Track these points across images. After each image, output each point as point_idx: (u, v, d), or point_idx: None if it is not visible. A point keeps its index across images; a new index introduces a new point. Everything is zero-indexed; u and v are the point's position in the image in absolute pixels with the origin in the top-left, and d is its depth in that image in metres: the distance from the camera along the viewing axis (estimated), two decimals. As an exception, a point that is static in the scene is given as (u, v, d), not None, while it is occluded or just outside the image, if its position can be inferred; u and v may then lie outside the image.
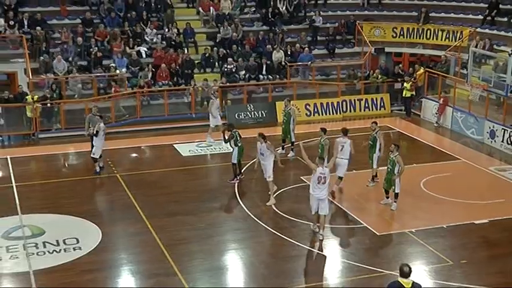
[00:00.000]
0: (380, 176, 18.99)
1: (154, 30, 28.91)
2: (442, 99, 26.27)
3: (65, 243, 15.66)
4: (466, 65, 26.11)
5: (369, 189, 19.25)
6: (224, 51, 28.84)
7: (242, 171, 19.98)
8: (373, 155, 19.26)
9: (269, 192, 18.18)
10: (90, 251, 15.34)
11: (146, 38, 28.70)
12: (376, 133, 19.29)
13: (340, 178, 18.71)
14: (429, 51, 30.88)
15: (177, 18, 30.01)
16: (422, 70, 28.02)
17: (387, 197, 18.02)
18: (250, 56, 28.79)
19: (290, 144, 22.02)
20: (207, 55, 28.25)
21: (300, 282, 14.10)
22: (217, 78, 27.56)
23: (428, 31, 30.76)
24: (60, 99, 24.81)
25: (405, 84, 27.21)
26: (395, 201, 17.69)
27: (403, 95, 27.53)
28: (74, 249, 15.41)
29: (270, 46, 29.36)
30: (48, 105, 24.61)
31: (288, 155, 21.78)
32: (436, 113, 26.38)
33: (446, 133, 25.56)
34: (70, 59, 26.89)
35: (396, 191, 17.57)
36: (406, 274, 10.47)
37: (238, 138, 19.56)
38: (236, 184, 19.21)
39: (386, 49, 31.42)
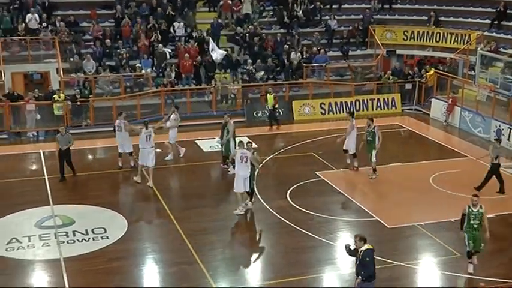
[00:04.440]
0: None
1: (182, 23, 28.91)
2: (450, 99, 26.08)
3: (93, 232, 15.74)
4: (474, 66, 25.90)
5: (380, 183, 19.11)
6: (243, 53, 28.84)
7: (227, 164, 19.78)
8: (373, 150, 19.20)
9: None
10: (117, 240, 15.41)
11: (173, 34, 28.67)
12: (373, 129, 19.21)
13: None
14: (439, 53, 30.65)
15: (198, 21, 30.01)
16: (432, 71, 27.83)
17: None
18: (268, 58, 28.73)
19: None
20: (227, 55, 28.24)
21: (315, 271, 14.07)
22: (237, 79, 27.58)
23: (438, 34, 30.57)
24: (90, 98, 24.94)
25: (268, 96, 25.24)
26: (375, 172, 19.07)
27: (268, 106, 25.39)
28: (102, 238, 15.48)
29: (287, 47, 29.28)
30: (78, 103, 24.75)
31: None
32: (445, 112, 26.18)
33: (454, 131, 25.35)
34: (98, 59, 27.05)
35: (373, 160, 18.92)
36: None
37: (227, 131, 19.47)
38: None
39: (398, 51, 31.25)
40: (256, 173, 17.20)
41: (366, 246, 11.54)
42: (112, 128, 20.83)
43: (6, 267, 14.13)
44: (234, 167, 18.72)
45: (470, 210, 13.74)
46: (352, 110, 22.82)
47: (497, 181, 18.31)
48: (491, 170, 18.22)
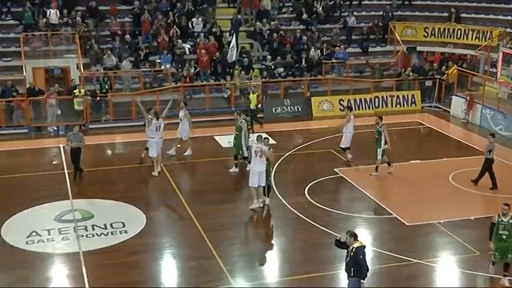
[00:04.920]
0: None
1: (201, 19, 28.97)
2: (468, 96, 25.89)
3: (112, 226, 15.85)
4: (495, 64, 25.66)
5: (399, 181, 19.00)
6: (262, 49, 28.85)
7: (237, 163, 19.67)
8: (378, 149, 19.18)
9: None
10: (135, 234, 15.51)
11: (193, 29, 28.74)
12: (380, 127, 19.18)
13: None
14: (460, 50, 30.38)
15: (217, 17, 30.05)
16: (454, 68, 27.63)
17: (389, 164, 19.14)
18: (287, 54, 28.69)
19: (242, 160, 19.70)
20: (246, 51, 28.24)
21: (332, 268, 14.03)
22: (257, 75, 27.60)
23: (459, 31, 30.30)
24: (109, 93, 25.11)
25: (251, 95, 24.52)
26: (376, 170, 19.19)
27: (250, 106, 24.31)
28: (121, 232, 15.59)
29: (306, 44, 29.25)
30: (98, 98, 24.92)
31: (230, 170, 19.71)
32: (465, 110, 25.98)
33: (475, 129, 25.15)
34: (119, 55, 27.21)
35: (379, 157, 19.01)
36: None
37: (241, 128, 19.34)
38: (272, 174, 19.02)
39: (418, 48, 31.04)
40: (272, 169, 17.12)
41: (358, 244, 11.48)
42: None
43: (26, 259, 14.29)
44: (236, 166, 19.32)
45: (499, 219, 13.08)
46: (350, 104, 22.71)
47: (479, 174, 18.34)
48: (486, 164, 18.22)
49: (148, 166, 19.85)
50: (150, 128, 19.19)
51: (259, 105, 24.72)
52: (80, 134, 19.19)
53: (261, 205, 16.95)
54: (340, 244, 11.69)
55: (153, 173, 19.32)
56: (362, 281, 11.46)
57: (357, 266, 11.40)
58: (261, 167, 16.66)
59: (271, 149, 17.04)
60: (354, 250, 11.39)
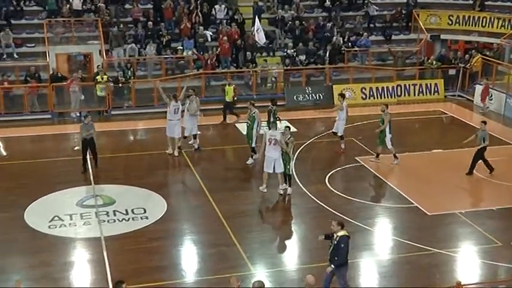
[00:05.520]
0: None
1: (224, 6, 28.89)
2: (484, 85, 25.59)
3: (133, 212, 15.96)
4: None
5: (421, 170, 18.82)
6: (284, 37, 28.74)
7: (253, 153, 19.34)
8: (383, 137, 19.05)
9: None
10: (156, 220, 15.60)
11: (215, 16, 28.63)
12: (385, 115, 19.03)
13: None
14: (484, 38, 29.97)
15: (239, 4, 29.95)
16: (478, 57, 27.29)
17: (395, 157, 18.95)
18: (309, 41, 28.53)
19: (250, 150, 19.39)
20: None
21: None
22: (279, 62, 27.52)
23: (484, 19, 29.85)
24: (132, 80, 25.20)
25: (227, 87, 24.03)
26: (395, 158, 19.01)
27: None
28: (142, 218, 15.69)
29: (330, 31, 29.06)
30: (120, 84, 25.03)
31: (247, 162, 19.30)
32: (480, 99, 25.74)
33: (498, 118, 24.83)
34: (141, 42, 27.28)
35: (389, 147, 18.88)
36: None
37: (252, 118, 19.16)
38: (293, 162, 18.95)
39: (442, 36, 30.66)
40: (293, 157, 17.06)
41: (342, 232, 11.58)
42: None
43: (48, 244, 14.45)
44: (252, 156, 19.13)
45: None
46: (344, 92, 22.43)
47: (471, 164, 18.24)
48: (479, 152, 18.17)
49: (170, 152, 19.93)
50: (168, 110, 19.63)
51: (235, 98, 24.15)
52: (92, 123, 18.70)
53: (280, 192, 17.01)
54: (326, 236, 11.92)
55: (167, 151, 19.78)
56: (332, 266, 11.57)
57: (339, 256, 11.52)
58: (275, 154, 16.79)
59: (291, 138, 16.96)
60: (337, 239, 11.54)
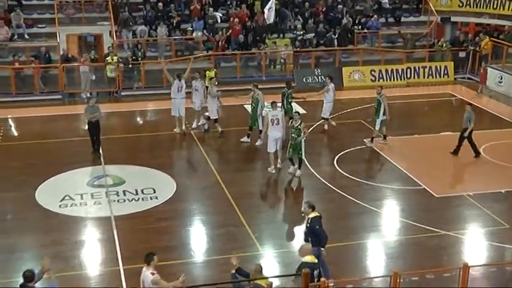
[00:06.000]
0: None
1: None
2: (482, 69, 25.62)
3: (143, 192, 16.06)
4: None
5: (430, 152, 18.76)
6: (294, 18, 28.66)
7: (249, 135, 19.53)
8: (377, 118, 19.04)
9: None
10: (166, 200, 15.69)
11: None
12: (380, 97, 19.01)
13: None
14: (496, 20, 29.68)
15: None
16: (487, 39, 27.09)
17: (384, 137, 19.09)
18: (319, 23, 28.39)
19: (259, 132, 19.34)
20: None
21: (359, 237, 14.06)
22: (288, 44, 27.43)
23: (495, 1, 29.50)
24: (142, 60, 25.22)
25: (207, 72, 22.74)
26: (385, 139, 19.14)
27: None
28: (151, 198, 15.79)
29: (340, 13, 28.93)
30: (130, 65, 25.05)
31: (256, 143, 19.29)
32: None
33: (508, 101, 24.69)
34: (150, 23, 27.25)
35: (376, 128, 18.88)
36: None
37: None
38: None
39: (453, 18, 30.41)
40: (303, 140, 17.01)
41: (313, 214, 11.68)
42: (163, 91, 21.09)
43: (59, 223, 14.59)
44: (248, 136, 19.29)
45: None
46: (331, 75, 22.27)
47: (457, 144, 18.25)
48: (468, 135, 18.12)
49: (180, 133, 19.97)
50: (172, 89, 19.88)
51: (216, 83, 23.94)
52: (97, 106, 18.51)
53: (291, 173, 17.07)
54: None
55: (174, 130, 19.99)
56: (322, 249, 11.57)
57: (313, 236, 11.59)
58: (277, 134, 17.06)
59: (302, 124, 16.81)
60: (310, 220, 11.66)
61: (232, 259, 10.36)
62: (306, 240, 11.72)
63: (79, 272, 12.62)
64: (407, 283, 10.68)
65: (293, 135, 16.64)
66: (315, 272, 10.33)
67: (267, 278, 9.97)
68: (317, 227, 11.59)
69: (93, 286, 12.29)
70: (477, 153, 18.27)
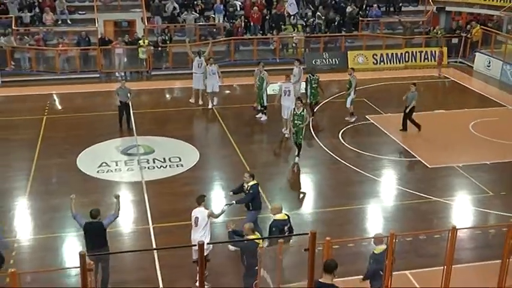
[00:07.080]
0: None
1: None
2: (439, 52, 25.68)
3: (170, 160, 16.10)
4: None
5: (425, 128, 18.46)
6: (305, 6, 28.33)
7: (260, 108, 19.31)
8: (348, 97, 18.89)
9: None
10: (190, 168, 15.74)
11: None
12: (352, 78, 18.81)
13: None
14: (485, 10, 29.12)
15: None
16: (478, 27, 26.64)
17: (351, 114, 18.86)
18: (329, 11, 28.05)
19: (263, 108, 19.16)
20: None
21: (361, 202, 14.06)
22: (299, 30, 27.17)
23: (486, -8, 28.98)
24: (170, 43, 25.11)
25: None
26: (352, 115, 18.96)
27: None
28: (177, 165, 15.83)
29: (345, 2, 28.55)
30: (159, 48, 24.96)
31: (261, 119, 19.12)
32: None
33: (495, 83, 24.35)
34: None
35: (347, 105, 18.86)
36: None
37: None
38: (311, 119, 18.66)
39: (447, 8, 29.89)
40: (304, 127, 16.52)
41: (252, 182, 11.75)
42: (188, 71, 21.05)
43: (97, 186, 14.70)
44: (264, 113, 19.07)
45: None
46: (301, 59, 21.80)
47: (402, 122, 18.09)
48: (409, 112, 17.95)
49: (203, 109, 19.90)
50: (194, 65, 20.17)
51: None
52: (128, 88, 18.15)
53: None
54: (238, 189, 12.16)
55: (190, 100, 20.35)
56: (258, 210, 11.80)
57: (253, 202, 11.71)
58: (288, 104, 17.52)
59: (305, 110, 16.18)
60: (249, 187, 11.74)
61: (228, 225, 10.52)
62: (246, 206, 11.83)
63: (113, 230, 12.71)
64: (402, 243, 10.67)
65: (296, 121, 15.81)
66: (285, 228, 10.58)
67: (259, 237, 10.04)
68: (251, 191, 11.67)
69: (127, 242, 12.39)
70: (419, 127, 18.09)
